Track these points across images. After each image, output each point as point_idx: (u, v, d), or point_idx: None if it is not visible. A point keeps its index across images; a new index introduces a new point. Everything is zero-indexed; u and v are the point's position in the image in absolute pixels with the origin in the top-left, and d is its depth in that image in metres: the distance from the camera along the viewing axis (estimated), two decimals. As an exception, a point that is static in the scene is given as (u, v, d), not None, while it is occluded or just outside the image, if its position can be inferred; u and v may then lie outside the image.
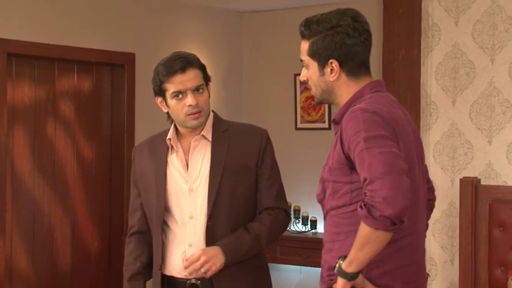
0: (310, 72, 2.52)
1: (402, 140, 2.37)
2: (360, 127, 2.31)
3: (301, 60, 2.54)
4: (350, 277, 2.32)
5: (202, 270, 2.88)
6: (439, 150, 4.89)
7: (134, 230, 3.13)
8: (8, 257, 4.90)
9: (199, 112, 2.95)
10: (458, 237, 4.31)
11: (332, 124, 2.57)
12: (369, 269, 2.35)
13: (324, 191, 2.50)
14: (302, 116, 6.15)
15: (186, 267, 2.91)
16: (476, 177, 4.32)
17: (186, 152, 3.02)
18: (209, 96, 3.02)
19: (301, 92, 6.12)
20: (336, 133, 2.47)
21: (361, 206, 2.25)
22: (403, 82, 4.97)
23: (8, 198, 4.87)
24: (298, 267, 5.91)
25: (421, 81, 4.94)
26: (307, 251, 5.64)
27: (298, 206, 5.85)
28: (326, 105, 5.87)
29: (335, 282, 2.37)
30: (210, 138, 3.00)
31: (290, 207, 5.08)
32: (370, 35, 2.50)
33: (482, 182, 4.34)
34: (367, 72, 2.51)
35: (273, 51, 6.28)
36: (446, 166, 4.86)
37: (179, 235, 2.98)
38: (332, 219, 2.48)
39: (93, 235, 5.43)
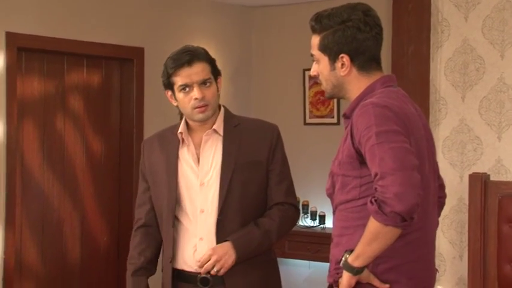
0: (320, 66, 2.51)
1: (413, 135, 2.36)
2: (371, 122, 2.30)
3: (312, 55, 2.53)
4: (356, 271, 2.32)
5: (215, 269, 2.90)
6: (448, 146, 4.88)
7: (141, 223, 3.12)
8: (18, 250, 4.92)
9: (205, 106, 2.95)
10: (467, 233, 4.30)
11: (342, 118, 2.56)
12: (374, 264, 2.35)
13: (333, 185, 2.50)
14: (311, 111, 6.15)
15: (199, 267, 2.92)
16: (486, 173, 4.31)
17: (197, 146, 3.02)
18: (218, 91, 3.02)
19: (310, 87, 6.11)
20: (346, 127, 2.46)
21: (371, 201, 2.25)
22: (412, 78, 4.97)
23: (17, 192, 4.89)
24: (307, 262, 5.91)
25: (431, 77, 4.93)
26: (315, 245, 5.64)
27: (307, 201, 5.85)
28: (335, 101, 5.86)
29: (341, 276, 2.37)
30: (221, 132, 3.01)
31: (299, 202, 5.08)
32: (381, 29, 2.48)
33: (492, 178, 4.33)
34: (378, 67, 2.50)
35: (282, 46, 6.27)
36: (455, 162, 4.85)
37: (190, 229, 2.98)
38: (341, 213, 2.47)
39: (102, 229, 5.45)
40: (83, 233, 5.33)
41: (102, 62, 5.43)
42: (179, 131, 3.04)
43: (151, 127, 5.18)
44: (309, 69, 2.62)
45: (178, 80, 2.95)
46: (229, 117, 3.06)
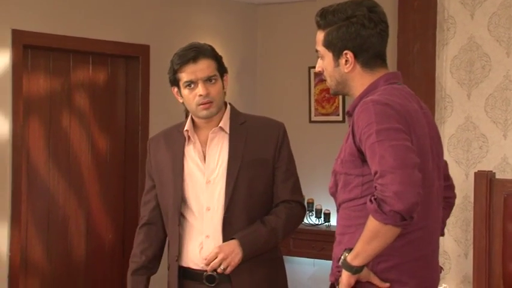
0: (325, 63, 2.50)
1: (415, 133, 2.33)
2: (371, 119, 2.27)
3: (317, 51, 2.51)
4: (355, 270, 2.30)
5: (222, 267, 2.89)
6: (454, 143, 4.87)
7: (145, 221, 3.13)
8: (23, 247, 4.93)
9: (210, 102, 2.95)
10: (472, 231, 4.30)
11: (346, 116, 2.55)
12: (375, 263, 2.32)
13: (336, 184, 2.48)
14: (316, 109, 6.14)
15: (206, 265, 2.92)
16: (491, 171, 4.30)
17: (203, 144, 3.02)
18: (224, 88, 3.02)
19: (315, 85, 6.11)
20: (349, 125, 2.45)
21: (370, 200, 2.22)
22: (418, 75, 4.96)
23: (23, 189, 4.90)
24: (312, 260, 5.91)
25: (436, 75, 4.93)
26: (320, 243, 5.63)
27: (312, 199, 5.84)
28: (340, 98, 5.86)
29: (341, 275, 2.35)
30: (227, 130, 3.00)
31: (304, 200, 5.07)
32: (386, 26, 2.46)
33: (497, 176, 4.32)
34: (383, 64, 2.47)
35: (287, 43, 6.27)
36: (460, 159, 4.84)
37: (196, 227, 2.98)
38: (344, 211, 2.45)
39: (107, 227, 5.46)
40: (88, 231, 5.33)
41: (107, 60, 5.44)
42: (185, 128, 3.03)
43: (156, 125, 5.18)
44: (315, 67, 2.61)
45: (184, 76, 2.95)
46: (235, 115, 3.05)
